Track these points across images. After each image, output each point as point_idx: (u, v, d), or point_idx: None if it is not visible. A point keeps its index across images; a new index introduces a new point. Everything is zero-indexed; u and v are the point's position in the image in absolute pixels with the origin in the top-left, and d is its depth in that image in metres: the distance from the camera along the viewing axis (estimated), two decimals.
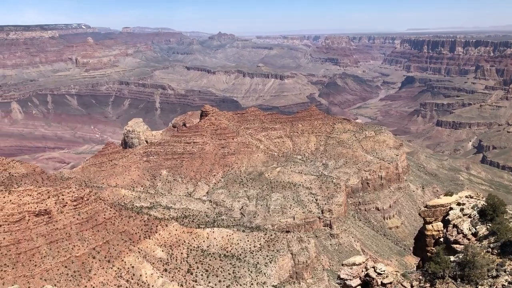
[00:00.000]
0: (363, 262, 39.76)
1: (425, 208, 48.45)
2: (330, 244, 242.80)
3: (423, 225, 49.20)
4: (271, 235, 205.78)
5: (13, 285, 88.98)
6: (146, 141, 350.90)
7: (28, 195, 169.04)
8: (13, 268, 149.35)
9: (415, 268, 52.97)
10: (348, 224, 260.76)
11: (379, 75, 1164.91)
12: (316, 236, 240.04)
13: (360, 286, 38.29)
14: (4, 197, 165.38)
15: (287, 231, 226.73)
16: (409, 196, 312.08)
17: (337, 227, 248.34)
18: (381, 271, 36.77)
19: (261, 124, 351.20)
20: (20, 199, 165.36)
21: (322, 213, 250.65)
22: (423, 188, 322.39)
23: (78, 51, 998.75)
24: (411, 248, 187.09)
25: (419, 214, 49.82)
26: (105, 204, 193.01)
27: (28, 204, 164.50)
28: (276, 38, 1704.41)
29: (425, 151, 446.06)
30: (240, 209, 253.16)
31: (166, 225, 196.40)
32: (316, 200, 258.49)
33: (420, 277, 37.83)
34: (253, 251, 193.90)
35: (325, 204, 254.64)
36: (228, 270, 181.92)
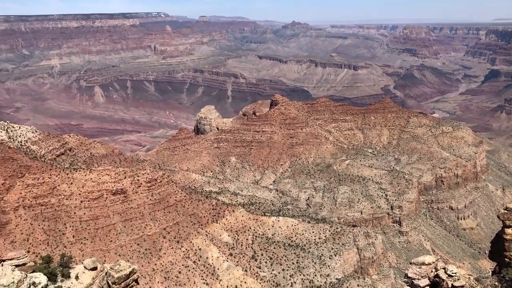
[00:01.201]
0: (433, 262, 38.00)
1: (505, 211, 45.31)
2: (399, 242, 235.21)
3: (501, 228, 46.04)
4: (336, 228, 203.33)
5: (91, 257, 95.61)
6: (217, 128, 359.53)
7: (107, 174, 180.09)
8: (91, 242, 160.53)
9: (490, 273, 49.78)
10: (419, 222, 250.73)
11: (460, 67, 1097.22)
12: (384, 233, 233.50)
13: (428, 287, 36.64)
14: (85, 175, 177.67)
15: (354, 225, 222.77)
16: (487, 197, 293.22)
17: (407, 225, 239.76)
18: (452, 273, 34.90)
19: (331, 115, 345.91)
20: (100, 178, 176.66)
21: (392, 209, 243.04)
22: (503, 189, 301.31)
23: (157, 39, 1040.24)
24: (486, 251, 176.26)
25: (498, 217, 46.70)
26: (176, 186, 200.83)
27: (107, 183, 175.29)
28: (351, 27, 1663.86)
29: (508, 150, 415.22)
30: (306, 200, 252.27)
31: (233, 211, 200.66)
32: (386, 195, 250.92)
33: (496, 283, 35.45)
34: (318, 242, 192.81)
35: (395, 200, 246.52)
36: (292, 259, 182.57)
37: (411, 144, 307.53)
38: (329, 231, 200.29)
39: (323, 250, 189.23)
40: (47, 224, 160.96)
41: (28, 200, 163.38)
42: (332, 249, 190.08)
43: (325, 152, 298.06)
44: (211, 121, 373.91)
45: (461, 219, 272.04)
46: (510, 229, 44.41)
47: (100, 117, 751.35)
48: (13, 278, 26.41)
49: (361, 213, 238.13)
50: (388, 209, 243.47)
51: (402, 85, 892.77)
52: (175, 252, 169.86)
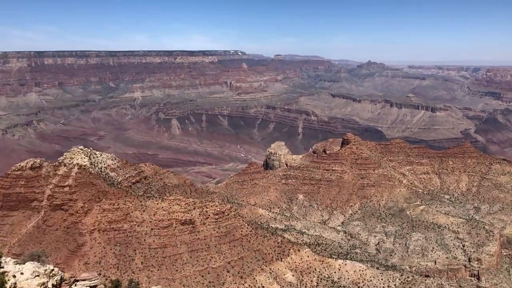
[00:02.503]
0: None
1: None
2: None
3: None
4: (407, 277, 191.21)
5: (156, 285, 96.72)
6: (286, 164, 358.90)
7: (177, 204, 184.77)
8: (158, 270, 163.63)
9: None
10: (500, 278, 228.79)
11: None
12: (460, 286, 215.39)
13: None
14: (157, 204, 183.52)
15: (426, 276, 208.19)
16: None
17: (487, 280, 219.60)
18: None
19: (406, 157, 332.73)
20: (170, 207, 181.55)
21: (469, 261, 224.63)
22: None
23: (233, 75, 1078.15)
24: None
25: None
26: (243, 220, 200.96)
27: (176, 212, 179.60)
28: (429, 68, 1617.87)
29: None
30: (376, 245, 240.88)
31: (299, 250, 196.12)
32: (463, 246, 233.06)
33: None
34: None
35: (474, 251, 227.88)
36: None
37: (493, 193, 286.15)
38: (399, 279, 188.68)
39: None
40: (118, 249, 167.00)
41: (103, 224, 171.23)
42: None
43: (398, 196, 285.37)
44: (281, 157, 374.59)
45: None
46: None
47: (175, 148, 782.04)
48: None
49: (435, 263, 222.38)
50: (466, 261, 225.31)
51: (484, 130, 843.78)
52: (238, 287, 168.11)
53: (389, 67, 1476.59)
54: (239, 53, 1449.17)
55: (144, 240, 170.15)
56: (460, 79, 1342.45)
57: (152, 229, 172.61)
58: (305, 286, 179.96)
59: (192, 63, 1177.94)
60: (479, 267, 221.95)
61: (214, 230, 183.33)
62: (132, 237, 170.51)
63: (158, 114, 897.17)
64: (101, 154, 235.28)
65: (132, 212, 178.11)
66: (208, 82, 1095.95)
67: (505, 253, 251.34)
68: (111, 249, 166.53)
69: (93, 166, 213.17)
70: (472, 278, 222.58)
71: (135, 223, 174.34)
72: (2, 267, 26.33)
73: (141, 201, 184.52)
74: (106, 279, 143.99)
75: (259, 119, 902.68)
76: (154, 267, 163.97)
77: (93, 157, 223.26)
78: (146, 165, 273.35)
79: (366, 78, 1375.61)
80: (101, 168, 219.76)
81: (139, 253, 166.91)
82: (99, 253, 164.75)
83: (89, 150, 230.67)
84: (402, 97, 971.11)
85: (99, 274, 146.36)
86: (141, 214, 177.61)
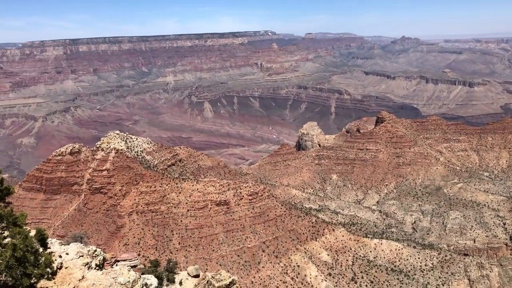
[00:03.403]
0: None
1: None
2: None
3: None
4: (445, 256, 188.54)
5: (194, 265, 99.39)
6: (319, 145, 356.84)
7: (212, 185, 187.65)
8: (195, 250, 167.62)
9: None
10: None
11: None
12: (501, 265, 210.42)
13: None
14: (192, 186, 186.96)
15: (465, 254, 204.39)
16: None
17: None
18: None
19: (443, 134, 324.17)
20: (205, 189, 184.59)
21: (511, 239, 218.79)
22: None
23: (263, 56, 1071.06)
24: None
25: None
26: (277, 201, 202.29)
27: (211, 194, 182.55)
28: (467, 42, 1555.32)
29: None
30: (412, 224, 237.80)
31: (333, 230, 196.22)
32: (504, 224, 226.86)
33: None
34: (424, 269, 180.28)
35: None
36: (395, 285, 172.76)
37: None
38: (437, 258, 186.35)
39: (429, 278, 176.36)
40: (156, 230, 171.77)
41: (141, 206, 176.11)
42: (439, 278, 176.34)
43: (435, 174, 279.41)
44: (313, 137, 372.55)
45: None
46: None
47: (208, 131, 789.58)
48: (129, 278, 28.22)
49: (474, 242, 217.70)
50: (507, 239, 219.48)
51: None
52: (273, 266, 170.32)
53: (424, 42, 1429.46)
54: (269, 33, 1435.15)
55: (181, 221, 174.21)
56: (500, 52, 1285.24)
57: (188, 210, 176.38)
58: (341, 265, 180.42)
59: (222, 45, 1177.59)
60: None
61: (249, 210, 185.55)
62: (169, 218, 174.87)
63: (191, 98, 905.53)
64: (136, 138, 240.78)
65: (168, 194, 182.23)
66: (238, 64, 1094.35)
67: None
68: (149, 231, 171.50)
69: (129, 150, 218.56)
70: None
71: (171, 204, 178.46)
72: (49, 247, 27.69)
73: (176, 183, 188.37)
74: (145, 259, 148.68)
75: (291, 100, 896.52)
76: (191, 247, 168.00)
77: (129, 141, 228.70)
78: (180, 148, 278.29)
79: (401, 54, 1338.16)
80: (137, 152, 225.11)
81: (176, 233, 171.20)
82: (138, 234, 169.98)
83: (125, 134, 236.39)
84: (438, 72, 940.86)
85: (139, 255, 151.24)
86: (177, 196, 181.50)
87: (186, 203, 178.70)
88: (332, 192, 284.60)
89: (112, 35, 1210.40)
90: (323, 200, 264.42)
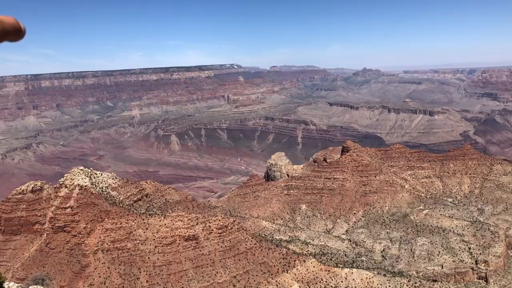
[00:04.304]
0: None
1: None
2: None
3: None
4: (415, 283, 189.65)
5: None
6: (287, 175, 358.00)
7: (180, 220, 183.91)
8: (163, 287, 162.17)
9: None
10: (509, 280, 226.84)
11: None
12: None
13: None
14: (160, 221, 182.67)
15: (434, 280, 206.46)
16: None
17: (495, 282, 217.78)
18: None
19: (407, 162, 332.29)
20: (173, 224, 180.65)
21: (476, 264, 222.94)
22: None
23: (230, 89, 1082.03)
24: None
25: None
26: (247, 234, 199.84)
27: (179, 228, 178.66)
28: (425, 73, 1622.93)
29: None
30: (381, 252, 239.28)
31: (304, 261, 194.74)
32: (469, 248, 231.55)
33: None
34: None
35: (480, 254, 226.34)
36: None
37: (495, 193, 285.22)
38: (407, 285, 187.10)
39: None
40: (123, 268, 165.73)
41: (107, 244, 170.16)
42: None
43: (401, 201, 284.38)
44: (282, 167, 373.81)
45: None
46: None
47: (175, 164, 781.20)
48: None
49: (442, 267, 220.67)
50: (472, 263, 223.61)
51: (483, 131, 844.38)
52: None
53: (384, 73, 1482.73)
54: (235, 67, 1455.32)
55: (148, 258, 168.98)
56: (456, 82, 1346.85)
57: (156, 246, 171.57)
58: None
59: (188, 79, 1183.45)
60: (487, 269, 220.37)
61: (218, 244, 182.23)
62: (136, 256, 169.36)
63: (157, 131, 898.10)
64: (101, 174, 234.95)
65: (135, 230, 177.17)
66: (205, 96, 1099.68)
67: (511, 254, 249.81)
68: (115, 269, 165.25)
69: (94, 186, 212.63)
70: (480, 281, 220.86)
71: (138, 241, 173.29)
72: None
73: (143, 219, 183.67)
74: None
75: (258, 131, 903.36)
76: (160, 285, 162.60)
77: (94, 177, 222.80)
78: (147, 183, 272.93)
79: (363, 85, 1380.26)
80: (102, 188, 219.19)
81: (144, 271, 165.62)
82: (104, 273, 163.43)
83: (89, 170, 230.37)
84: (399, 102, 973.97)
85: None
86: (144, 232, 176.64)
87: (154, 239, 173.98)
88: (302, 222, 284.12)
89: (76, 70, 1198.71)
90: (293, 230, 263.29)
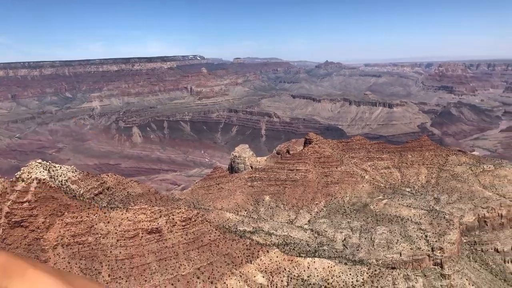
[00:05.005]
0: None
1: None
2: (441, 285, 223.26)
3: None
4: (375, 270, 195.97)
5: None
6: (251, 167, 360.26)
7: (142, 213, 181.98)
8: (126, 281, 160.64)
9: None
10: (462, 265, 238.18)
11: (500, 104, 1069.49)
12: (425, 275, 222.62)
13: None
14: (122, 214, 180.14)
15: (393, 268, 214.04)
16: None
17: (449, 267, 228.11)
18: None
19: (367, 153, 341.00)
20: (136, 217, 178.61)
21: (432, 250, 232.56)
22: None
23: (193, 80, 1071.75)
24: None
25: None
26: (210, 226, 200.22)
27: (142, 222, 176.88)
28: (385, 66, 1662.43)
29: None
30: (342, 241, 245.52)
31: (268, 251, 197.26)
32: (426, 236, 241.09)
33: None
34: (356, 285, 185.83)
35: (436, 241, 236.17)
36: None
37: (450, 183, 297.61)
38: (367, 273, 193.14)
39: None
40: (83, 263, 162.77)
41: (67, 238, 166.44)
42: None
43: (362, 191, 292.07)
44: (245, 159, 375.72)
45: (508, 262, 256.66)
46: None
47: (137, 156, 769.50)
48: None
49: (400, 255, 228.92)
50: (429, 250, 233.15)
51: (439, 123, 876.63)
52: None
53: (346, 66, 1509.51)
54: (198, 58, 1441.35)
55: (110, 252, 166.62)
56: (414, 75, 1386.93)
57: (118, 240, 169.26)
58: (276, 287, 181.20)
59: (150, 70, 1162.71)
60: (442, 256, 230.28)
61: (182, 237, 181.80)
62: (98, 250, 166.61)
63: (118, 123, 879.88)
64: (60, 167, 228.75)
65: (96, 224, 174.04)
66: (168, 88, 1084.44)
67: (465, 240, 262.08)
68: (76, 264, 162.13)
69: (53, 179, 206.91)
70: (436, 267, 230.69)
71: (100, 235, 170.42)
72: None
73: (105, 213, 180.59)
74: None
75: (222, 123, 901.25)
76: (122, 278, 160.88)
77: (53, 170, 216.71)
78: (108, 176, 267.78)
79: (325, 78, 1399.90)
80: (61, 181, 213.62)
81: (106, 265, 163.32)
82: (64, 268, 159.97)
83: (48, 163, 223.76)
84: (360, 95, 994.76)
85: None
86: (105, 226, 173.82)
87: (116, 232, 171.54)
88: (266, 213, 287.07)
89: (33, 60, 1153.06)
90: (256, 222, 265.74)
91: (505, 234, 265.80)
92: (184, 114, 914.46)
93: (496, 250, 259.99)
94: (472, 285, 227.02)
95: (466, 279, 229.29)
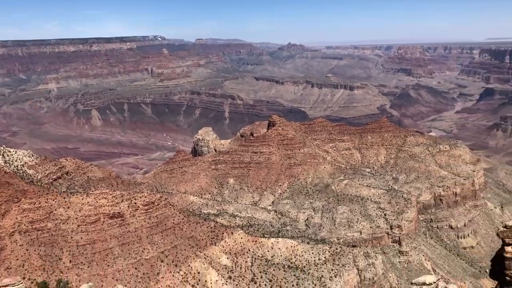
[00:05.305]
0: (434, 282, 37.56)
1: (504, 229, 45.08)
2: (399, 262, 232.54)
3: (501, 246, 45.67)
4: (336, 249, 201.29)
5: (88, 282, 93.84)
6: (215, 150, 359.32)
7: (104, 198, 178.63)
8: (88, 267, 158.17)
9: None
10: (419, 242, 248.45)
11: (455, 86, 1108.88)
12: (384, 253, 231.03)
13: None
14: (82, 199, 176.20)
15: (353, 246, 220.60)
16: (486, 215, 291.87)
17: (407, 244, 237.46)
18: None
19: (328, 135, 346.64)
20: (97, 202, 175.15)
21: (391, 228, 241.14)
22: (502, 207, 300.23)
23: (154, 62, 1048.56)
24: (487, 270, 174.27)
25: (497, 235, 46.47)
26: (174, 209, 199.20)
27: (104, 206, 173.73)
28: (346, 48, 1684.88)
29: (505, 167, 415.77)
30: (305, 221, 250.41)
31: (232, 233, 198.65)
32: (385, 215, 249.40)
33: None
34: (318, 264, 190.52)
35: (394, 219, 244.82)
36: (292, 281, 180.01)
37: (408, 163, 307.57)
38: (329, 251, 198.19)
39: (323, 271, 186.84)
40: (43, 250, 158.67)
41: (24, 225, 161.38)
42: (332, 270, 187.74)
43: (323, 172, 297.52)
44: (209, 142, 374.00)
45: (461, 238, 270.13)
46: (510, 247, 44.06)
47: (97, 140, 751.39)
48: None
49: (360, 233, 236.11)
50: (388, 228, 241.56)
51: (398, 105, 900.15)
52: (173, 276, 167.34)
53: (308, 49, 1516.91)
54: (159, 39, 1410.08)
55: (71, 237, 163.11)
56: (374, 58, 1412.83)
57: (78, 225, 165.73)
58: (240, 267, 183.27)
59: (109, 51, 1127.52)
60: (400, 233, 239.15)
61: (145, 221, 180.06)
62: (58, 236, 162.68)
63: (77, 106, 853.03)
64: (16, 152, 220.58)
65: (55, 210, 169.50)
66: (127, 69, 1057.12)
67: (422, 218, 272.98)
68: (35, 251, 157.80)
69: (8, 164, 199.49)
70: (394, 244, 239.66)
71: (59, 221, 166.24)
72: None
73: (64, 198, 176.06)
74: (32, 282, 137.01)
75: (184, 106, 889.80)
76: (84, 264, 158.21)
77: (7, 155, 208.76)
78: (67, 160, 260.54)
79: (287, 60, 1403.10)
80: (17, 166, 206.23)
81: (67, 251, 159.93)
82: (22, 256, 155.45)
83: (1, 148, 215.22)
84: (322, 77, 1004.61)
85: (23, 278, 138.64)
86: (65, 211, 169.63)
87: (76, 218, 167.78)
88: (230, 196, 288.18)
89: None
90: (221, 204, 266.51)
91: (459, 211, 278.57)
92: (145, 96, 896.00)
93: (451, 227, 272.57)
94: (428, 261, 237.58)
95: (423, 255, 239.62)
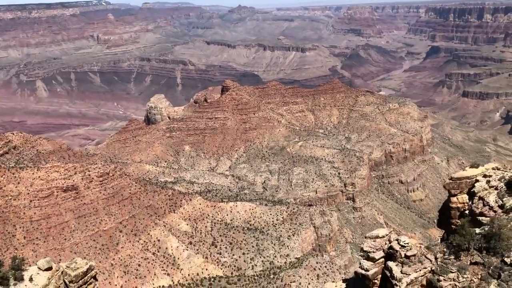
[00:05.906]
0: (387, 235, 39.65)
1: (450, 181, 47.77)
2: (353, 218, 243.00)
3: (447, 197, 48.61)
4: (293, 209, 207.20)
5: (45, 257, 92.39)
6: (169, 117, 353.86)
7: (56, 171, 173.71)
8: (44, 242, 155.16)
9: (439, 241, 52.63)
10: (371, 197, 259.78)
11: (403, 45, 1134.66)
12: (339, 210, 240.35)
13: (383, 259, 38.26)
14: (33, 174, 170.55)
15: (310, 205, 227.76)
16: (434, 169, 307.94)
17: (360, 201, 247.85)
18: (404, 243, 36.58)
19: (282, 98, 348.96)
20: (48, 175, 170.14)
21: (345, 186, 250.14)
22: (448, 161, 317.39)
23: (99, 28, 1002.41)
24: (435, 221, 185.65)
25: (444, 187, 49.24)
26: (130, 179, 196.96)
27: (56, 180, 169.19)
28: (297, 10, 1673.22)
29: (451, 122, 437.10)
30: (262, 184, 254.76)
31: (190, 200, 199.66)
32: (339, 173, 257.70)
33: (445, 249, 37.51)
34: (276, 224, 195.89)
35: (348, 177, 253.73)
36: (252, 243, 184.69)
37: (360, 123, 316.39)
38: (286, 212, 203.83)
39: (281, 231, 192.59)
40: None
41: None
42: (290, 229, 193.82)
43: (278, 135, 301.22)
44: (162, 110, 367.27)
45: (410, 192, 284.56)
46: (455, 197, 46.93)
47: (44, 112, 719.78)
48: None
49: (316, 193, 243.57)
50: (342, 186, 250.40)
51: (349, 65, 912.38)
52: (133, 245, 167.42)
53: (259, 11, 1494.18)
54: (103, 3, 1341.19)
55: (24, 213, 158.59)
56: (325, 19, 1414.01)
57: (31, 201, 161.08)
58: (200, 233, 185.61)
59: (51, 17, 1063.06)
60: (353, 190, 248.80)
61: (101, 192, 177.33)
62: (9, 213, 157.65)
63: (19, 77, 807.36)
64: None
65: (5, 186, 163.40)
66: (72, 37, 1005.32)
67: (373, 175, 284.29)
68: None
69: None
70: (349, 201, 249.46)
71: (10, 197, 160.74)
72: None
73: (13, 173, 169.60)
74: None
75: (134, 73, 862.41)
76: (39, 239, 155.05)
77: None
78: (13, 134, 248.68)
79: (238, 23, 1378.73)
80: None
81: (20, 227, 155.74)
82: None
83: None
84: (274, 40, 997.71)
85: None
86: (16, 187, 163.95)
87: (28, 193, 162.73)
88: (186, 163, 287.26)
89: None
90: (177, 172, 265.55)
91: (408, 167, 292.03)
92: (92, 64, 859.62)
93: (401, 182, 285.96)
94: (381, 215, 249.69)
95: (375, 210, 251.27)
